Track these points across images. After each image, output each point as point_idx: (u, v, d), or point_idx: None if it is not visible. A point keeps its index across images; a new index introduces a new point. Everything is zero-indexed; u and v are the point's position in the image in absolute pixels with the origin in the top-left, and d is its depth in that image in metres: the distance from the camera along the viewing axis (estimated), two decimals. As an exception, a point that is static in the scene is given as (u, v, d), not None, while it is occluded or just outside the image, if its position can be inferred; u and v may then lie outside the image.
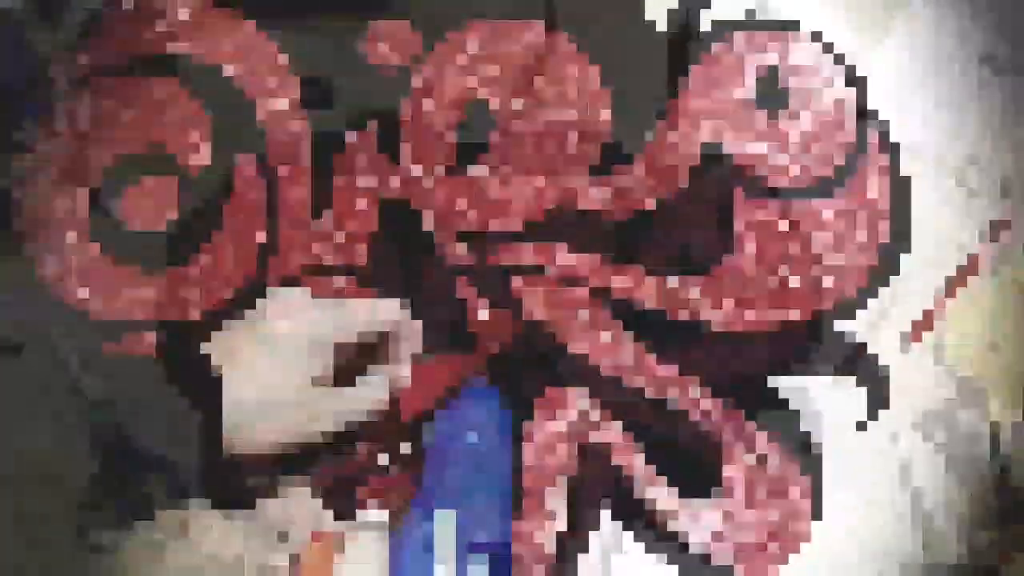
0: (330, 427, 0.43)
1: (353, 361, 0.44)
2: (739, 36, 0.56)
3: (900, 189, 0.53)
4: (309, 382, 0.42)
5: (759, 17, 0.56)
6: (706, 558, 0.47)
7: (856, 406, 0.49)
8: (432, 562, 0.45)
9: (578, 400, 0.49)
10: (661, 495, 0.48)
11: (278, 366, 0.41)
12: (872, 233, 0.52)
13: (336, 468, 0.45)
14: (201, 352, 0.42)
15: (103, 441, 0.43)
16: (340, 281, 0.51)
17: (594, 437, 0.48)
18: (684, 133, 0.54)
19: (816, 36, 0.56)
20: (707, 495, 0.48)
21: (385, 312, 0.45)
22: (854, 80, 0.55)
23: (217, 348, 0.42)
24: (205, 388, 0.41)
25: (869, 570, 0.47)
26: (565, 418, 0.49)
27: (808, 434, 0.49)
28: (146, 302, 0.50)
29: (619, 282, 0.51)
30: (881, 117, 0.54)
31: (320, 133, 0.53)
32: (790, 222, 0.52)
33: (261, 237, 0.52)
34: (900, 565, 0.47)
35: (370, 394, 0.44)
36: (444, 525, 0.45)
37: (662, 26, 0.56)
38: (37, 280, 0.50)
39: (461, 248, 0.52)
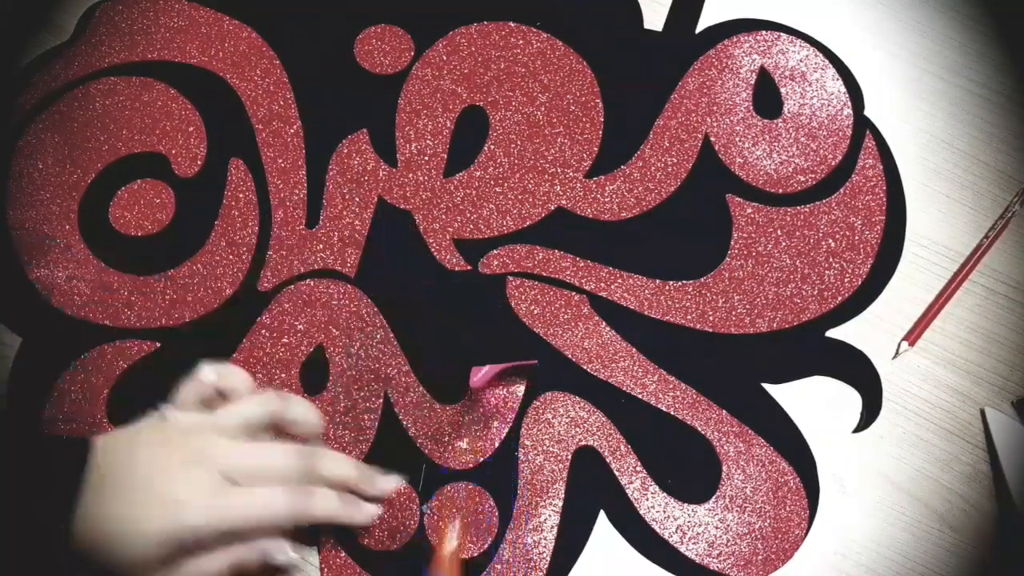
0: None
1: None
2: (735, 39, 0.56)
3: (895, 192, 0.53)
4: None
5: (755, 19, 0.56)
6: (702, 564, 0.46)
7: (851, 411, 0.49)
8: None
9: (573, 405, 0.49)
10: (657, 501, 0.47)
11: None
12: (867, 236, 0.52)
13: None
14: None
15: None
16: (333, 286, 0.51)
17: (589, 442, 0.48)
18: (679, 136, 0.54)
19: (813, 39, 0.56)
20: (703, 501, 0.47)
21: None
22: (851, 83, 0.55)
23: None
24: None
25: (864, 575, 0.47)
26: (559, 423, 0.48)
27: (803, 439, 0.49)
28: (139, 307, 0.50)
29: (613, 286, 0.51)
30: (877, 120, 0.55)
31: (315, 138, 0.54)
32: (785, 226, 0.52)
33: (254, 241, 0.52)
34: (894, 572, 0.47)
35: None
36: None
37: (659, 28, 0.56)
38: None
39: (456, 252, 0.52)
